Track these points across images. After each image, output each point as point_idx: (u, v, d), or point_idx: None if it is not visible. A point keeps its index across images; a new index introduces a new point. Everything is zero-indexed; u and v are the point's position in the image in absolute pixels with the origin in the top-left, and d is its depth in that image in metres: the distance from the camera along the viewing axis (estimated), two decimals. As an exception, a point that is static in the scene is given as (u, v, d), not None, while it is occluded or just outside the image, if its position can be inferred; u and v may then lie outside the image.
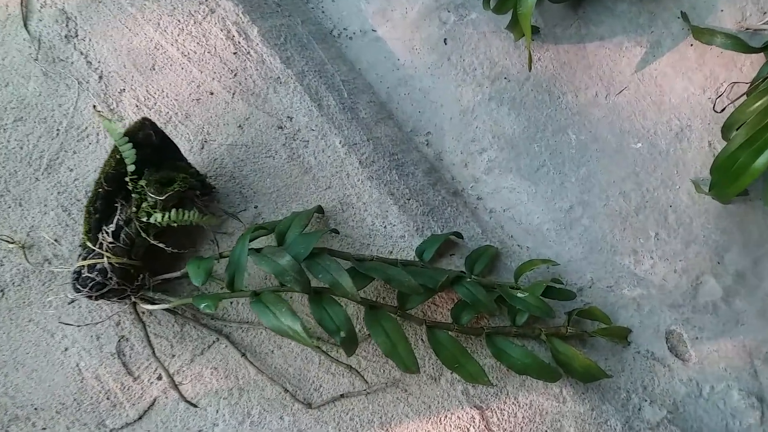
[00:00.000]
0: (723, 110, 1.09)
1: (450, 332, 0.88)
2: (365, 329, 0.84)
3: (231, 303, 0.90)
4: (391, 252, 0.94)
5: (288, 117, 0.97)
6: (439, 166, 1.10)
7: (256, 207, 0.93)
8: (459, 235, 0.98)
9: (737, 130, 0.98)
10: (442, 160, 1.10)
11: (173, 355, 0.88)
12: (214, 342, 0.88)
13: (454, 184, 1.09)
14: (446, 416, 0.90)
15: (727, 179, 0.95)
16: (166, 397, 0.87)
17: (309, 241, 0.83)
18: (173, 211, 0.79)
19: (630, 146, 1.10)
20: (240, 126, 0.96)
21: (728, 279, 1.06)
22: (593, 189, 1.08)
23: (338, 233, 0.93)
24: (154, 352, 0.84)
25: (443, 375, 0.90)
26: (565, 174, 1.09)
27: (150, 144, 0.81)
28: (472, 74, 1.13)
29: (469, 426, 0.90)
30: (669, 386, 1.02)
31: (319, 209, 0.92)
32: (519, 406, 0.92)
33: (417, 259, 0.93)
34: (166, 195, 0.79)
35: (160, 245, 0.80)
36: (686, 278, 1.06)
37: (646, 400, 1.00)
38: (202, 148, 0.95)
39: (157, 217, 0.78)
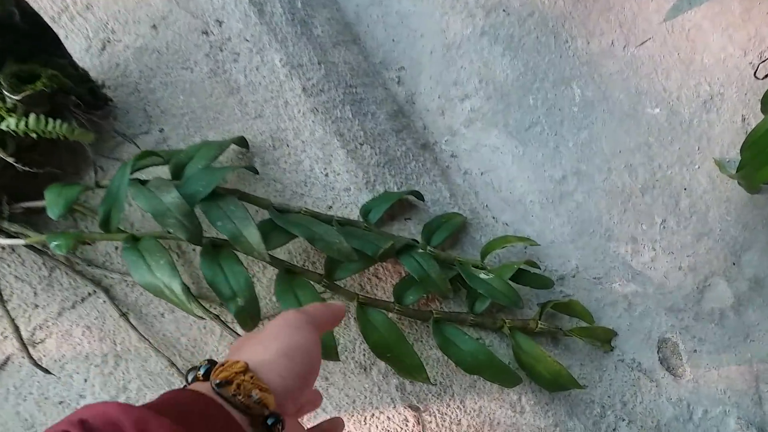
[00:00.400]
0: (766, 77, 0.88)
1: (388, 313, 0.70)
2: (277, 300, 0.65)
3: (117, 249, 0.71)
4: (330, 207, 0.75)
5: (217, 21, 0.76)
6: (410, 110, 0.90)
7: (161, 130, 0.73)
8: (419, 195, 0.79)
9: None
10: (414, 104, 0.90)
11: (36, 306, 0.69)
12: (89, 295, 0.70)
13: (424, 135, 0.89)
14: (373, 415, 0.72)
15: (759, 161, 0.75)
16: (23, 357, 0.69)
17: (212, 177, 0.63)
18: (32, 117, 0.59)
19: (645, 111, 0.90)
20: (154, 26, 0.75)
21: (743, 284, 0.87)
22: (594, 158, 0.89)
23: (257, 173, 0.73)
24: (1, 298, 0.65)
25: (376, 365, 0.72)
26: (563, 136, 0.89)
27: (13, 27, 0.61)
28: (464, 1, 0.92)
29: (400, 429, 0.72)
30: (654, 405, 0.84)
31: (241, 141, 0.72)
32: (465, 411, 0.74)
33: (361, 220, 0.74)
34: (23, 94, 0.59)
35: (10, 160, 0.61)
36: (692, 278, 0.87)
37: (623, 419, 0.83)
38: (103, 49, 0.75)
39: (10, 122, 0.59)
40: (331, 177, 0.75)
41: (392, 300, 0.71)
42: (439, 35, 0.91)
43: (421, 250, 0.74)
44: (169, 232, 0.62)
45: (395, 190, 0.78)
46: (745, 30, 0.91)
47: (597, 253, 0.87)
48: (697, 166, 0.88)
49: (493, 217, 0.87)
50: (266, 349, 0.40)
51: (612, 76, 0.90)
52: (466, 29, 0.91)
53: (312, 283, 0.66)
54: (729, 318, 0.86)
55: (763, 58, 0.90)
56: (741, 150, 0.78)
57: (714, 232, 0.88)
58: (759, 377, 0.86)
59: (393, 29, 0.91)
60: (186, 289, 0.57)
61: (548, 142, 0.89)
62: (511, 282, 0.76)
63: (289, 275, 0.66)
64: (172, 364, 0.68)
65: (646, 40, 0.91)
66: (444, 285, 0.72)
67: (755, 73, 0.89)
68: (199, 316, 0.60)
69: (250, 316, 0.61)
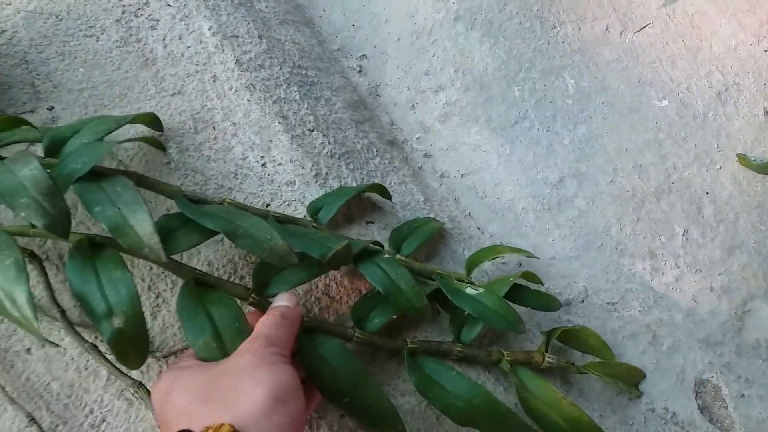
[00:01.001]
0: (790, 60, 0.76)
1: (345, 343, 0.51)
2: (179, 322, 0.46)
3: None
4: (268, 205, 0.57)
5: (131, -20, 0.62)
6: (374, 103, 0.74)
7: (51, 108, 0.56)
8: (385, 193, 0.62)
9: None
10: (378, 96, 0.75)
11: None
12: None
13: (392, 132, 0.74)
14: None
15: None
16: None
17: (96, 151, 0.46)
18: None
19: (652, 103, 0.76)
20: (49, -16, 0.61)
21: (789, 308, 0.70)
22: (595, 157, 0.74)
23: (164, 150, 0.56)
24: None
25: (326, 418, 0.52)
26: (556, 132, 0.74)
27: None
28: (435, -16, 0.79)
29: None
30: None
31: (152, 121, 0.55)
32: (456, 481, 0.54)
33: (308, 218, 0.57)
34: None
35: None
36: (727, 302, 0.70)
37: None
38: (-18, 9, 0.59)
39: None
40: (270, 167, 0.58)
41: (350, 325, 0.52)
42: (407, 20, 0.77)
43: (388, 256, 0.56)
44: (34, 227, 0.43)
45: (354, 185, 0.61)
46: (755, 16, 0.79)
47: (609, 272, 0.70)
48: (718, 167, 0.74)
49: (478, 228, 0.70)
50: (250, 397, 0.34)
51: (609, 64, 0.77)
52: (438, 14, 0.77)
53: (235, 300, 0.47)
54: (778, 350, 0.69)
55: (781, 45, 0.78)
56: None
57: (747, 245, 0.72)
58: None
59: (353, 14, 0.77)
60: (32, 300, 0.39)
61: (540, 139, 0.74)
62: (507, 300, 0.59)
63: (200, 288, 0.47)
64: (33, 421, 0.48)
65: (645, 26, 0.78)
66: (419, 300, 0.54)
67: (776, 56, 0.76)
68: (51, 343, 0.41)
69: (133, 344, 0.41)
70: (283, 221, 0.55)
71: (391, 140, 0.72)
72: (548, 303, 0.64)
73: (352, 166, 0.63)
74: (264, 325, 0.41)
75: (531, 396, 0.54)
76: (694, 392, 0.68)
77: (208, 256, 0.54)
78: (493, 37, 0.77)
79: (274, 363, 0.38)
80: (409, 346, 0.53)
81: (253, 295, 0.49)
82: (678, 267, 0.70)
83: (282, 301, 0.46)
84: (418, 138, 0.74)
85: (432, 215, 0.67)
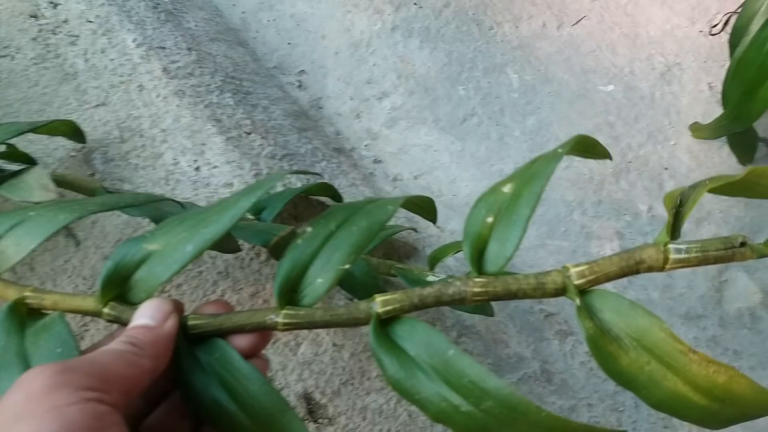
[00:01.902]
0: (722, 31, 0.78)
1: (258, 360, 0.40)
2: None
3: None
4: (206, 207, 0.55)
5: (51, 2, 0.61)
6: (317, 115, 0.73)
7: (-36, 129, 0.54)
8: (335, 194, 0.60)
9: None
10: (321, 108, 0.74)
11: None
12: None
13: (338, 141, 0.72)
14: None
15: (748, 88, 0.60)
16: None
17: None
18: None
19: (598, 89, 0.76)
20: (-37, 10, 0.60)
21: (766, 274, 0.68)
22: (548, 145, 0.73)
23: (84, 142, 0.53)
24: None
25: None
26: (506, 126, 0.74)
27: None
28: (368, -2, 0.81)
29: None
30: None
31: (73, 131, 0.53)
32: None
33: (251, 218, 0.54)
34: None
35: None
36: (704, 274, 0.68)
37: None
38: None
39: None
40: (205, 171, 0.56)
41: (273, 308, 0.40)
42: (343, 34, 0.78)
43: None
44: None
45: (298, 186, 0.59)
46: (685, 1, 0.82)
47: (577, 257, 0.67)
48: (672, 143, 0.73)
49: (438, 226, 0.68)
50: None
51: (551, 56, 0.77)
52: (374, 26, 0.78)
53: (65, 321, 0.33)
54: (763, 319, 0.66)
55: (713, 25, 0.80)
56: (723, 90, 0.64)
57: (713, 215, 0.70)
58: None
59: (288, 33, 0.78)
60: None
61: (490, 133, 0.73)
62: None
63: (31, 313, 0.34)
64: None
65: (581, 19, 0.80)
66: (375, 287, 0.51)
67: (710, 32, 0.78)
68: None
69: None
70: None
71: (337, 148, 0.70)
72: None
73: (296, 168, 0.61)
74: (97, 354, 0.26)
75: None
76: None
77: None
78: (432, 43, 0.78)
79: (55, 406, 0.22)
80: (380, 309, 0.31)
81: (106, 308, 0.33)
82: (648, 244, 0.68)
83: (141, 318, 0.30)
84: (367, 145, 0.72)
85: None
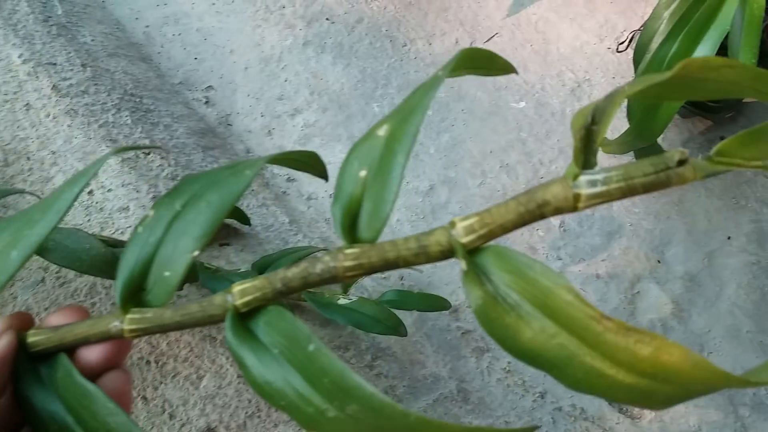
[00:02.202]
0: (627, 48, 0.81)
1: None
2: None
3: None
4: (100, 232, 0.52)
5: (-77, 14, 0.57)
6: (225, 132, 0.72)
7: None
8: (240, 216, 0.58)
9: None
10: (230, 125, 0.72)
11: None
12: None
13: (249, 159, 0.71)
14: None
15: (649, 105, 0.63)
16: None
17: None
18: None
19: (510, 105, 0.78)
20: None
21: (676, 285, 0.71)
22: (462, 162, 0.74)
23: None
24: None
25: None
26: (421, 143, 0.74)
27: None
28: (279, 13, 0.80)
29: None
30: (616, 466, 0.61)
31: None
32: None
33: (148, 245, 0.52)
34: None
35: None
36: (616, 286, 0.70)
37: (582, 494, 0.59)
38: None
39: None
40: (98, 195, 0.53)
41: (117, 315, 0.39)
42: (253, 49, 0.76)
43: (242, 270, 0.52)
44: None
45: (202, 209, 0.57)
46: (593, 19, 0.85)
47: (493, 273, 0.68)
48: (583, 158, 0.76)
49: (352, 247, 0.67)
50: None
51: (464, 73, 0.79)
52: (285, 41, 0.77)
53: None
54: (675, 329, 0.69)
55: (620, 42, 0.84)
56: (627, 106, 0.67)
57: (625, 229, 0.73)
58: (733, 399, 0.67)
59: (195, 47, 0.76)
60: None
61: (405, 150, 0.73)
62: (387, 306, 0.55)
63: None
64: None
65: (493, 36, 0.82)
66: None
67: (617, 49, 0.81)
68: None
69: None
70: (115, 245, 0.49)
71: (247, 166, 0.69)
72: (437, 303, 0.61)
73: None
74: None
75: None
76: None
77: (26, 300, 0.48)
78: (345, 59, 0.77)
79: None
80: (238, 301, 0.26)
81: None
82: (560, 259, 0.70)
83: None
84: (278, 163, 0.71)
85: (300, 236, 0.64)
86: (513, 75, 0.79)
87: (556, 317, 0.21)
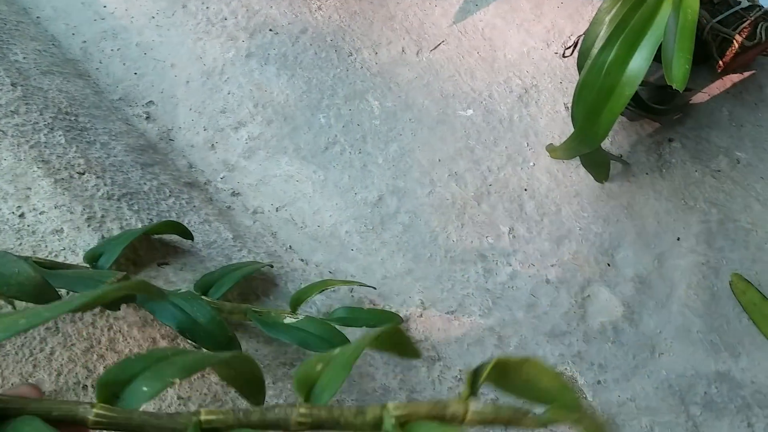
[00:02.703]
0: (573, 53, 0.84)
1: None
2: None
3: None
4: (34, 255, 0.52)
5: None
6: (167, 148, 0.72)
7: None
8: (182, 231, 0.59)
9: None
10: (172, 141, 0.73)
11: None
12: None
13: (191, 174, 0.71)
14: None
15: (593, 109, 0.66)
16: None
17: None
18: None
19: (458, 114, 0.80)
20: None
21: (627, 287, 0.73)
22: (411, 172, 0.75)
23: None
24: None
25: None
26: (369, 153, 0.75)
27: None
28: (221, 25, 0.80)
29: None
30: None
31: None
32: None
33: (85, 265, 0.52)
34: None
35: None
36: (566, 291, 0.72)
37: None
38: None
39: None
40: (30, 217, 0.53)
41: (90, 402, 0.35)
42: (194, 63, 0.77)
43: (182, 291, 0.52)
44: None
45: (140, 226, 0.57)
46: (540, 24, 0.88)
47: (443, 281, 0.70)
48: (531, 164, 0.78)
49: (302, 260, 0.68)
50: None
51: (411, 83, 0.80)
52: (227, 53, 0.78)
53: None
54: (625, 332, 0.71)
55: (567, 46, 0.86)
56: (571, 112, 0.69)
57: (574, 233, 0.75)
58: (684, 398, 0.69)
59: (134, 62, 0.76)
60: None
61: (353, 161, 0.74)
62: (335, 325, 0.56)
63: None
64: None
65: (440, 44, 0.84)
66: (222, 333, 0.50)
67: (563, 54, 0.84)
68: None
69: None
70: (51, 267, 0.49)
71: (190, 182, 0.69)
72: (388, 319, 0.62)
73: (136, 207, 0.59)
74: None
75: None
76: (552, 391, 0.67)
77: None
78: (290, 70, 0.78)
79: None
80: (203, 417, 0.31)
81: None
82: (510, 265, 0.71)
83: None
84: (223, 177, 0.71)
85: (245, 252, 0.64)
86: (460, 82, 0.81)
87: None
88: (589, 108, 0.66)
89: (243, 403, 0.51)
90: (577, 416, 0.29)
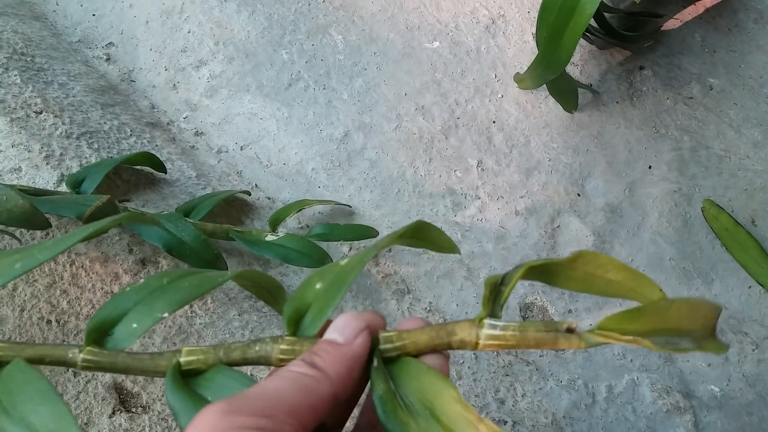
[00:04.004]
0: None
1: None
2: None
3: None
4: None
5: None
6: (128, 89, 0.74)
7: None
8: (154, 160, 0.62)
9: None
10: (133, 82, 0.75)
11: None
12: None
13: (154, 115, 0.73)
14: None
15: (556, 30, 0.67)
16: None
17: None
18: None
19: (424, 46, 0.82)
20: None
21: (597, 217, 0.76)
22: (377, 107, 0.77)
23: None
24: None
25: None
26: (333, 89, 0.78)
27: None
28: (179, -38, 0.82)
29: None
30: (542, 395, 0.67)
31: None
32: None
33: (67, 190, 0.55)
34: None
35: None
36: (535, 222, 0.75)
37: (505, 422, 0.64)
38: None
39: None
40: (-14, 156, 0.56)
41: (78, 344, 0.35)
42: (153, 2, 0.78)
43: (166, 212, 0.56)
44: None
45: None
46: (508, -46, 0.89)
47: (411, 216, 0.72)
48: (500, 95, 0.80)
49: (268, 197, 0.70)
50: None
51: (375, 16, 0.82)
52: (186, -9, 0.79)
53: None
54: (593, 260, 0.74)
55: (536, -24, 0.87)
56: (535, 37, 0.71)
57: (543, 164, 0.78)
58: (652, 323, 0.73)
59: (92, 3, 0.77)
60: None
61: (317, 98, 0.76)
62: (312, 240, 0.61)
63: None
64: None
65: (406, -25, 0.85)
66: (208, 251, 0.54)
67: (529, -17, 0.85)
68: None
69: None
70: (35, 194, 0.52)
71: (152, 122, 0.71)
72: (365, 232, 0.65)
73: (96, 146, 0.61)
74: (270, 382, 0.27)
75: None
76: (522, 318, 0.71)
77: None
78: (250, 6, 0.80)
79: None
80: (183, 358, 0.32)
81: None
82: (479, 198, 0.74)
83: (331, 332, 0.30)
84: (186, 117, 0.74)
85: (209, 190, 0.67)
86: (425, 14, 0.82)
87: (440, 419, 0.27)
88: (551, 30, 0.68)
89: (209, 334, 0.54)
90: (666, 302, 0.25)
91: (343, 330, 0.29)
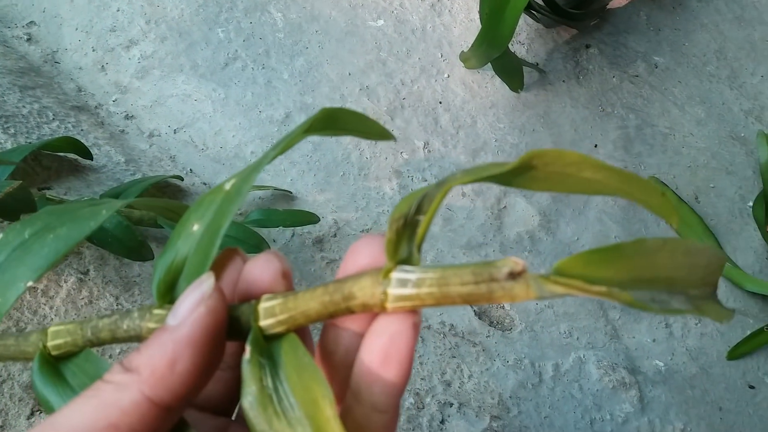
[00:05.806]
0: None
1: None
2: None
3: None
4: None
5: None
6: (52, 71, 0.69)
7: None
8: (78, 146, 0.58)
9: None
10: (57, 63, 0.70)
11: None
12: None
13: (80, 98, 0.69)
14: None
15: (495, 4, 0.66)
16: None
17: None
18: None
19: (368, 24, 0.79)
20: None
21: (543, 197, 0.76)
22: (320, 87, 0.75)
23: None
24: None
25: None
26: (273, 68, 0.75)
27: None
28: (105, -65, 0.77)
29: None
30: (489, 375, 0.66)
31: None
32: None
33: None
34: None
35: None
36: (482, 203, 0.74)
37: (451, 404, 0.63)
38: None
39: None
40: None
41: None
42: (78, -23, 0.74)
43: (86, 198, 0.52)
44: None
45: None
46: (452, -71, 0.87)
47: (357, 200, 0.70)
48: (446, 75, 0.78)
49: (204, 183, 0.67)
50: None
51: (317, -7, 0.79)
52: (113, -34, 0.75)
53: None
54: (542, 241, 0.74)
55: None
56: (479, 12, 0.69)
57: (490, 145, 0.77)
58: (603, 303, 0.73)
59: (8, -21, 0.73)
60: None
61: (256, 78, 0.73)
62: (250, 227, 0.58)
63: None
64: None
65: (347, -49, 0.82)
66: (132, 238, 0.50)
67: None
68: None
69: None
70: None
71: (78, 106, 0.67)
72: (305, 218, 0.63)
73: (12, 131, 0.57)
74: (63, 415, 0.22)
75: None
76: (469, 301, 0.70)
77: None
78: (184, -17, 0.76)
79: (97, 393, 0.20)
80: (49, 342, 0.27)
81: None
82: (426, 180, 0.73)
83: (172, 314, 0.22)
84: (115, 100, 0.70)
85: (139, 176, 0.64)
86: (369, -8, 0.80)
87: (305, 423, 0.20)
88: (493, 6, 0.67)
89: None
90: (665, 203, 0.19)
91: (178, 306, 0.21)
